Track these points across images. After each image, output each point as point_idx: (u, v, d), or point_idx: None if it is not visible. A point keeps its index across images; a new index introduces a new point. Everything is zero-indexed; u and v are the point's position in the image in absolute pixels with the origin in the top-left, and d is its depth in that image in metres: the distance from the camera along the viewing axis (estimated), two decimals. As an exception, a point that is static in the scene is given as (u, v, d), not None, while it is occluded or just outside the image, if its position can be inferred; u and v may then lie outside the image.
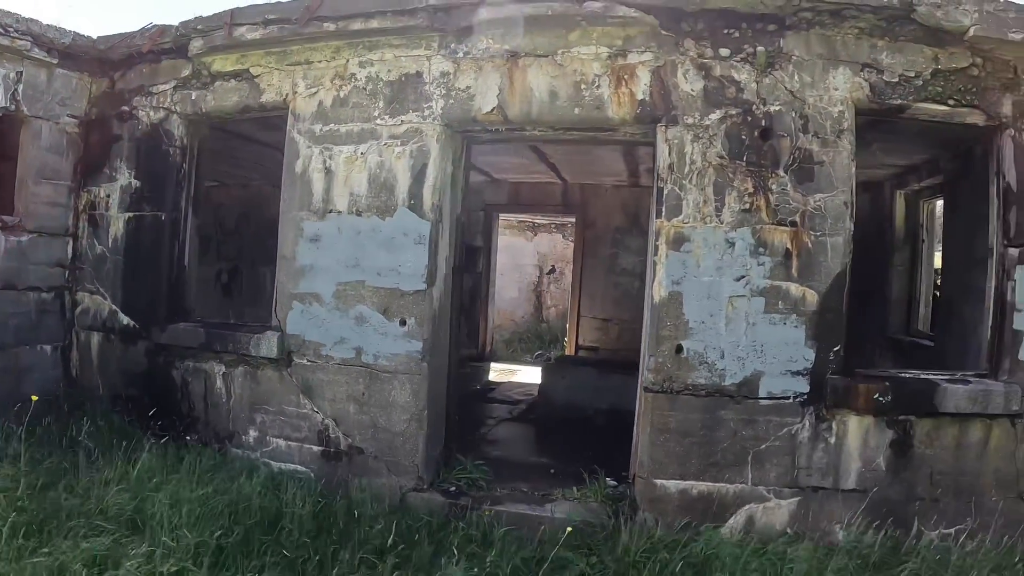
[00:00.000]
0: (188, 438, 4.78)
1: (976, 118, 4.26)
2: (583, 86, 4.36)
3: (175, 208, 5.09)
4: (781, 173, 4.19)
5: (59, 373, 5.15)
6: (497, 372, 8.48)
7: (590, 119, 4.38)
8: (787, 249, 4.19)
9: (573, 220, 8.82)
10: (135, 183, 5.12)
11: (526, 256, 13.66)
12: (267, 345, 4.75)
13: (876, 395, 4.14)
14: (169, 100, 5.10)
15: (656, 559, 3.83)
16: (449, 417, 4.90)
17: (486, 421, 6.44)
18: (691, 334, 4.22)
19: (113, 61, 5.13)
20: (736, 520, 4.19)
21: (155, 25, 4.92)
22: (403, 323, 4.56)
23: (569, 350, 8.16)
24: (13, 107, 4.66)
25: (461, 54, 4.52)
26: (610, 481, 4.70)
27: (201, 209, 5.35)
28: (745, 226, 4.19)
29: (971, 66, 4.20)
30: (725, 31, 4.27)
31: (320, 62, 4.77)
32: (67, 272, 5.19)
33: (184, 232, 5.13)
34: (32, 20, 4.63)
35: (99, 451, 4.48)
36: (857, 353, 7.51)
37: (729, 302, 4.20)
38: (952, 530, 4.11)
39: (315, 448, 4.74)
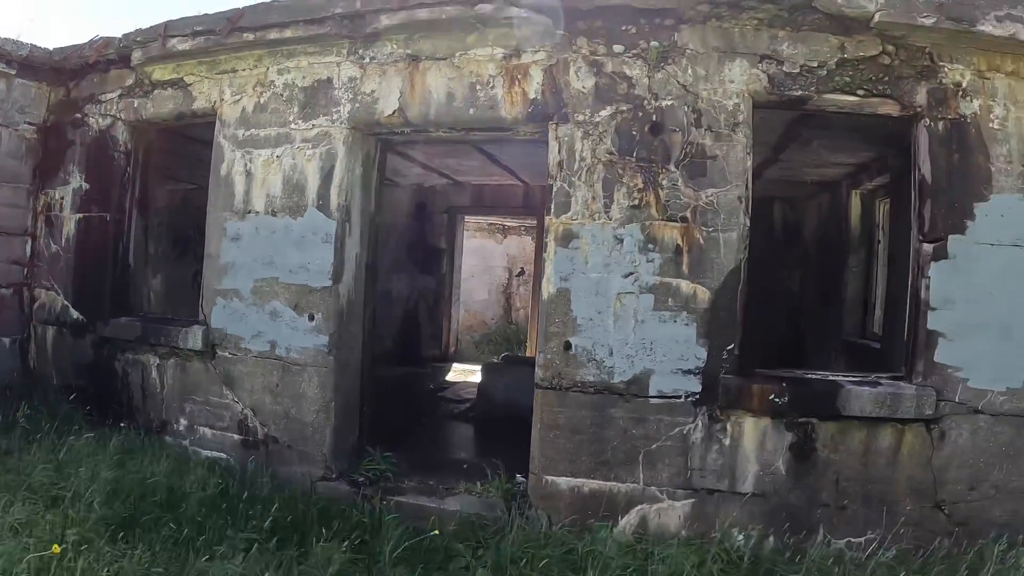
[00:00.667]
0: (122, 425, 5.07)
1: (889, 108, 4.12)
2: (478, 87, 4.43)
3: (119, 209, 5.43)
4: (672, 168, 4.14)
5: (17, 364, 5.56)
6: (457, 373, 8.60)
7: (485, 119, 4.45)
8: (677, 245, 4.13)
9: (535, 221, 8.84)
10: (85, 186, 5.50)
11: (496, 258, 13.72)
12: (193, 338, 5.00)
13: (771, 396, 4.01)
14: (115, 107, 5.46)
15: (537, 555, 3.85)
16: (363, 410, 5.03)
17: (424, 419, 6.56)
18: (579, 331, 4.21)
19: (69, 71, 5.53)
20: (629, 520, 4.13)
21: (101, 37, 5.29)
22: (311, 318, 4.72)
23: (531, 351, 8.17)
24: (-28, 115, 5.12)
25: (368, 59, 4.67)
26: (520, 478, 4.71)
27: (149, 211, 5.69)
28: (634, 222, 4.16)
29: (882, 54, 4.06)
30: (623, 27, 4.25)
31: (244, 70, 5.02)
32: (25, 269, 5.61)
33: (129, 232, 5.46)
34: (-10, 35, 5.06)
35: (39, 435, 4.83)
36: (816, 356, 7.33)
37: (617, 299, 4.17)
38: (862, 539, 3.95)
39: (236, 436, 4.95)
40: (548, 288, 4.27)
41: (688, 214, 4.12)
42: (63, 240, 5.53)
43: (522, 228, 13.34)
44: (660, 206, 4.15)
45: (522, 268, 13.56)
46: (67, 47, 5.44)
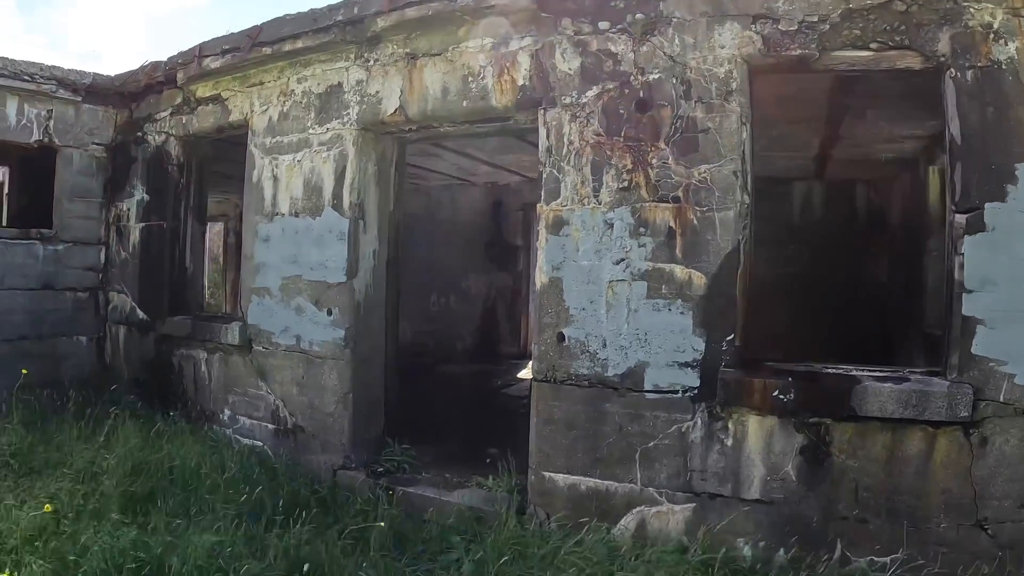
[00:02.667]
0: (171, 413, 5.51)
1: (910, 61, 3.56)
2: (470, 79, 4.43)
3: (175, 218, 5.94)
4: (662, 145, 3.89)
5: (94, 360, 6.23)
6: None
7: (477, 110, 4.44)
8: (670, 228, 3.88)
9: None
10: (146, 197, 6.07)
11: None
12: (232, 334, 5.38)
13: (776, 392, 3.59)
14: (168, 125, 5.98)
15: (523, 553, 3.78)
16: (388, 402, 5.16)
17: (482, 414, 6.57)
18: (572, 322, 4.08)
19: (130, 94, 6.13)
20: (627, 522, 3.88)
21: (150, 62, 5.81)
22: (329, 313, 4.93)
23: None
24: (47, 139, 5.81)
25: (372, 62, 4.80)
26: (533, 473, 4.64)
27: (204, 218, 6.16)
28: (624, 205, 3.96)
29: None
30: (610, 3, 4.05)
31: (269, 82, 5.32)
32: (100, 275, 6.28)
33: (184, 237, 5.96)
34: (55, 67, 5.72)
35: (100, 422, 5.37)
36: (901, 350, 6.61)
37: (609, 287, 3.99)
38: (887, 559, 3.45)
39: (270, 426, 5.27)
40: (540, 278, 4.18)
41: (680, 193, 3.86)
42: (130, 247, 6.14)
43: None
44: (650, 187, 3.92)
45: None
46: (124, 73, 6.04)
